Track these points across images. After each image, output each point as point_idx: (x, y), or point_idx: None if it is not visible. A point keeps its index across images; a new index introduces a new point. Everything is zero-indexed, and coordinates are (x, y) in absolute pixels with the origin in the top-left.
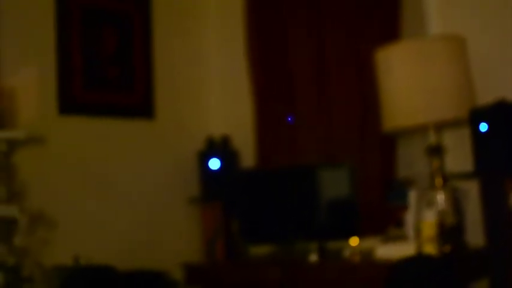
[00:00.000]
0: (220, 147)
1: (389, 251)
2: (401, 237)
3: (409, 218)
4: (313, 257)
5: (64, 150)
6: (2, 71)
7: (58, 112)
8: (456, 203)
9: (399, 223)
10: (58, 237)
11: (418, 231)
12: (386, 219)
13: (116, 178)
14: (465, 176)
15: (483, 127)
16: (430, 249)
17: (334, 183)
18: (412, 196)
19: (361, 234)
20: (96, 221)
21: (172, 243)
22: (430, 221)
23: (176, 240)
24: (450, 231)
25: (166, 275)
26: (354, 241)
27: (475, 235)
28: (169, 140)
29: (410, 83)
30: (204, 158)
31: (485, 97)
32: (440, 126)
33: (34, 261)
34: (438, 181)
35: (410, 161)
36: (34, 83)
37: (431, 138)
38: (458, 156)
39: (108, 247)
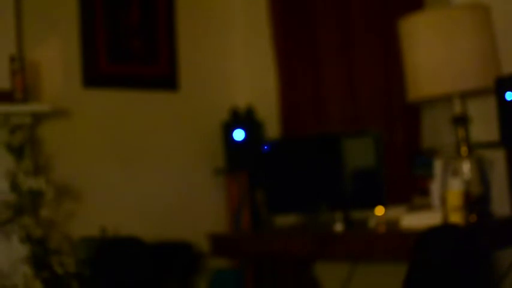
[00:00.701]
0: (245, 117)
1: (414, 221)
2: (427, 207)
3: (435, 187)
4: (339, 227)
5: (89, 122)
6: (27, 45)
7: (82, 85)
8: (482, 172)
9: (424, 193)
10: (84, 209)
11: (443, 200)
12: (411, 189)
13: (141, 150)
14: (491, 146)
15: (509, 96)
16: (455, 218)
17: (360, 153)
18: (438, 165)
19: (386, 204)
20: (122, 192)
21: (198, 214)
22: (455, 190)
23: (202, 211)
24: (476, 201)
25: (192, 245)
26: (380, 211)
27: (500, 204)
28: (193, 112)
29: (434, 52)
30: (229, 129)
31: (511, 66)
32: (466, 95)
33: (61, 233)
34: (463, 150)
35: (436, 130)
36: (58, 57)
37: (457, 108)
38: (484, 125)
39: (134, 219)
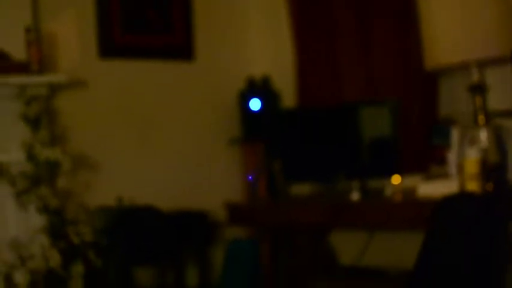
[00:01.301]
0: (261, 87)
1: (431, 189)
2: (444, 176)
3: (452, 156)
4: (355, 196)
5: (105, 93)
6: (42, 16)
7: (98, 56)
8: (499, 141)
9: (441, 161)
10: (101, 180)
11: (460, 169)
12: (428, 158)
13: (157, 120)
14: (508, 114)
15: None
16: (472, 187)
17: (377, 122)
18: (455, 134)
19: (403, 173)
20: (138, 162)
21: (214, 184)
22: (472, 159)
23: (218, 181)
24: (492, 169)
25: (208, 215)
26: (396, 180)
27: None
28: (209, 81)
29: (453, 21)
30: (245, 99)
31: None
32: (483, 64)
33: (77, 203)
34: (481, 119)
35: (453, 99)
36: (74, 28)
37: (474, 76)
38: (501, 94)
39: (150, 188)
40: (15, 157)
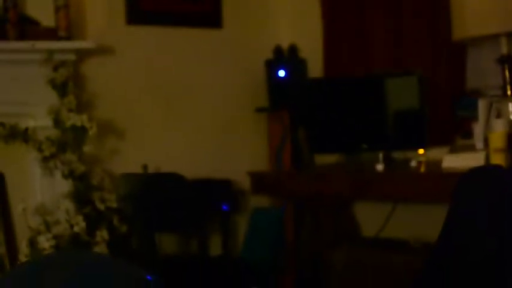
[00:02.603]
0: (288, 56)
1: (456, 162)
2: (470, 148)
3: (478, 128)
4: (380, 167)
5: (132, 60)
6: None
7: (126, 22)
8: None
9: (467, 134)
10: (126, 146)
11: (486, 142)
12: (454, 130)
13: (184, 87)
14: None
15: None
16: (498, 160)
17: (403, 93)
18: (481, 106)
19: (428, 145)
20: (164, 130)
21: (239, 152)
22: (499, 131)
23: (243, 149)
24: None
25: (232, 183)
26: (421, 151)
27: None
28: (236, 50)
29: None
30: (272, 67)
31: None
32: None
33: (103, 169)
34: (509, 91)
35: (480, 71)
36: None
37: (503, 48)
38: None
39: (175, 156)
40: (42, 123)
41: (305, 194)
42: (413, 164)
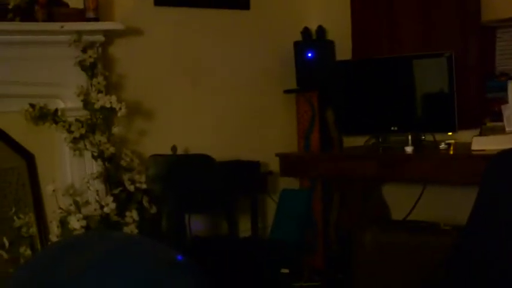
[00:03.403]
0: (316, 37)
1: (486, 144)
2: (499, 131)
3: (507, 110)
4: (409, 149)
5: (160, 41)
6: None
7: (154, 3)
8: None
9: (497, 116)
10: (155, 128)
11: None
12: (483, 112)
13: (213, 69)
14: None
15: None
16: None
17: (432, 75)
18: (511, 89)
19: (457, 127)
20: (193, 111)
21: (268, 134)
22: None
23: (272, 131)
24: None
25: (261, 164)
26: (451, 133)
27: None
28: (265, 31)
29: None
30: (300, 49)
31: None
32: None
33: (132, 150)
34: None
35: (510, 53)
36: None
37: None
38: None
39: (204, 138)
40: (71, 104)
41: (333, 176)
42: (442, 146)
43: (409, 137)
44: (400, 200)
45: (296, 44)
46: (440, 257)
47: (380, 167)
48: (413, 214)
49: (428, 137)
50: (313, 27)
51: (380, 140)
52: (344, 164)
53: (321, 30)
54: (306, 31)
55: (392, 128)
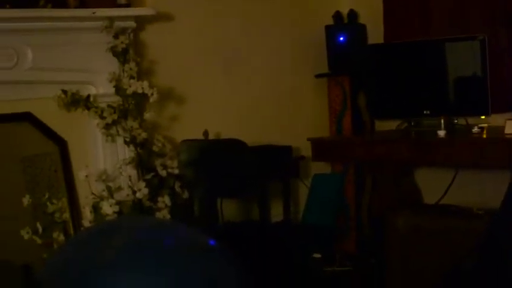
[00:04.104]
0: (348, 21)
1: None
2: None
3: None
4: (442, 133)
5: (191, 26)
6: None
7: None
8: None
9: None
10: (187, 113)
11: None
12: None
13: (243, 53)
14: None
15: None
16: None
17: (464, 58)
18: None
19: (490, 111)
20: (225, 96)
21: (300, 118)
22: None
23: (303, 115)
24: None
25: (293, 149)
26: (484, 117)
27: None
28: (296, 16)
29: None
30: (332, 33)
31: None
32: None
33: (164, 136)
34: None
35: None
36: None
37: None
38: None
39: (235, 122)
40: (103, 90)
41: (366, 160)
42: (475, 130)
43: (442, 121)
44: (432, 184)
45: (327, 28)
46: (473, 241)
47: (412, 151)
48: (446, 198)
49: (461, 121)
50: (344, 11)
51: (412, 124)
52: (376, 148)
53: (352, 13)
54: (337, 15)
55: (424, 112)
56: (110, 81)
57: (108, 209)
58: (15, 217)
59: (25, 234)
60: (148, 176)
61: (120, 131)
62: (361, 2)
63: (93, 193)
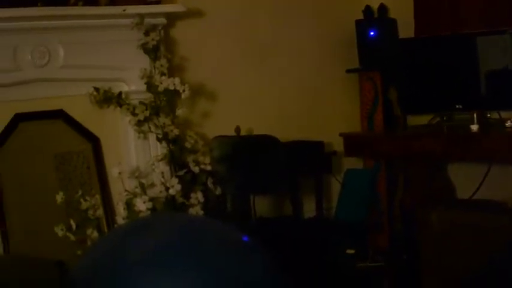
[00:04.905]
0: (378, 16)
1: None
2: None
3: None
4: (475, 127)
5: (221, 22)
6: None
7: None
8: None
9: None
10: (219, 109)
11: None
12: None
13: (274, 49)
14: None
15: None
16: None
17: (496, 52)
18: None
19: None
20: (256, 92)
21: (331, 114)
22: None
23: (335, 111)
24: None
25: (324, 144)
26: None
27: None
28: (326, 10)
29: None
30: (362, 28)
31: None
32: None
33: (196, 132)
34: None
35: None
36: None
37: None
38: None
39: (267, 118)
40: (134, 87)
41: (398, 155)
42: (508, 124)
43: (474, 115)
44: (466, 179)
45: (358, 23)
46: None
47: (445, 146)
48: (479, 193)
49: (494, 115)
50: (374, 6)
51: (444, 118)
52: (408, 143)
53: (382, 8)
54: (367, 9)
55: (456, 106)
56: (142, 78)
57: (141, 205)
58: (49, 214)
59: (59, 231)
60: (181, 173)
61: (152, 128)
62: None
63: (126, 190)
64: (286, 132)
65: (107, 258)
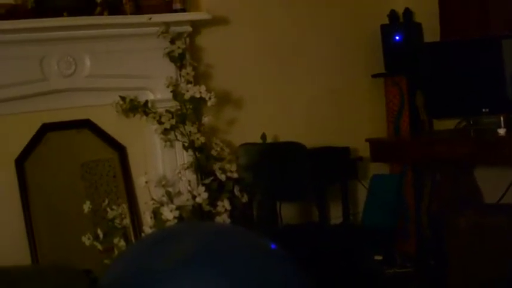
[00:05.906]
0: (404, 20)
1: None
2: None
3: None
4: (502, 131)
5: (247, 29)
6: None
7: None
8: None
9: None
10: (244, 116)
11: None
12: None
13: (299, 56)
14: None
15: None
16: None
17: None
18: None
19: None
20: (282, 99)
21: (357, 119)
22: None
23: (361, 116)
24: None
25: (351, 150)
26: None
27: None
28: (351, 15)
29: None
30: (387, 32)
31: None
32: None
33: (222, 140)
34: None
35: None
36: None
37: None
38: None
39: (293, 125)
40: (160, 95)
41: (425, 160)
42: None
43: (501, 119)
44: (493, 183)
45: (383, 28)
46: None
47: (472, 150)
48: (507, 197)
49: None
50: (399, 10)
51: (471, 122)
52: (435, 148)
53: (408, 12)
54: (392, 14)
55: (483, 110)
56: (167, 87)
57: (168, 214)
58: (76, 223)
59: (86, 240)
60: (208, 181)
61: (179, 136)
62: (416, 0)
63: (153, 198)
64: (311, 138)
65: (135, 268)
